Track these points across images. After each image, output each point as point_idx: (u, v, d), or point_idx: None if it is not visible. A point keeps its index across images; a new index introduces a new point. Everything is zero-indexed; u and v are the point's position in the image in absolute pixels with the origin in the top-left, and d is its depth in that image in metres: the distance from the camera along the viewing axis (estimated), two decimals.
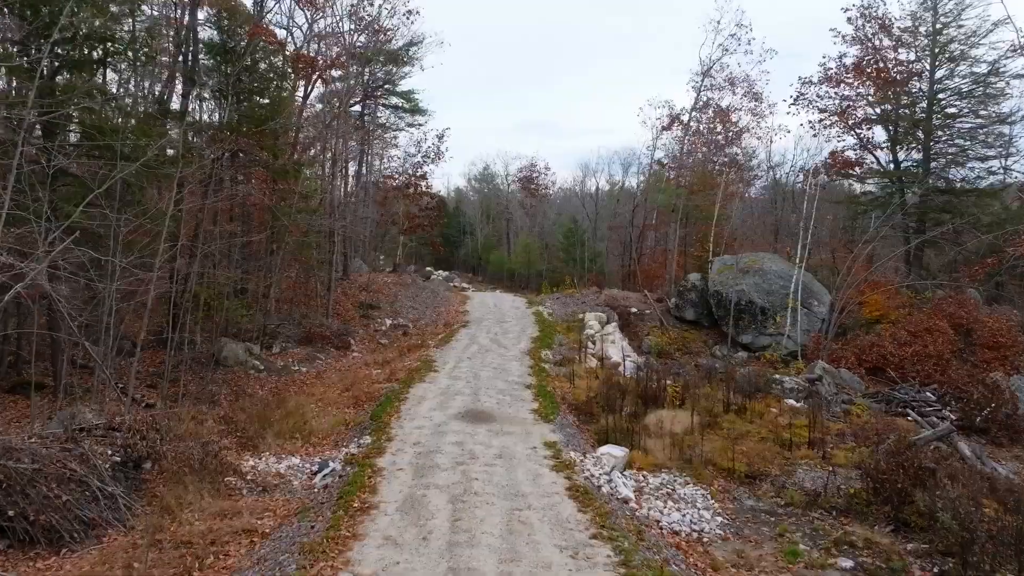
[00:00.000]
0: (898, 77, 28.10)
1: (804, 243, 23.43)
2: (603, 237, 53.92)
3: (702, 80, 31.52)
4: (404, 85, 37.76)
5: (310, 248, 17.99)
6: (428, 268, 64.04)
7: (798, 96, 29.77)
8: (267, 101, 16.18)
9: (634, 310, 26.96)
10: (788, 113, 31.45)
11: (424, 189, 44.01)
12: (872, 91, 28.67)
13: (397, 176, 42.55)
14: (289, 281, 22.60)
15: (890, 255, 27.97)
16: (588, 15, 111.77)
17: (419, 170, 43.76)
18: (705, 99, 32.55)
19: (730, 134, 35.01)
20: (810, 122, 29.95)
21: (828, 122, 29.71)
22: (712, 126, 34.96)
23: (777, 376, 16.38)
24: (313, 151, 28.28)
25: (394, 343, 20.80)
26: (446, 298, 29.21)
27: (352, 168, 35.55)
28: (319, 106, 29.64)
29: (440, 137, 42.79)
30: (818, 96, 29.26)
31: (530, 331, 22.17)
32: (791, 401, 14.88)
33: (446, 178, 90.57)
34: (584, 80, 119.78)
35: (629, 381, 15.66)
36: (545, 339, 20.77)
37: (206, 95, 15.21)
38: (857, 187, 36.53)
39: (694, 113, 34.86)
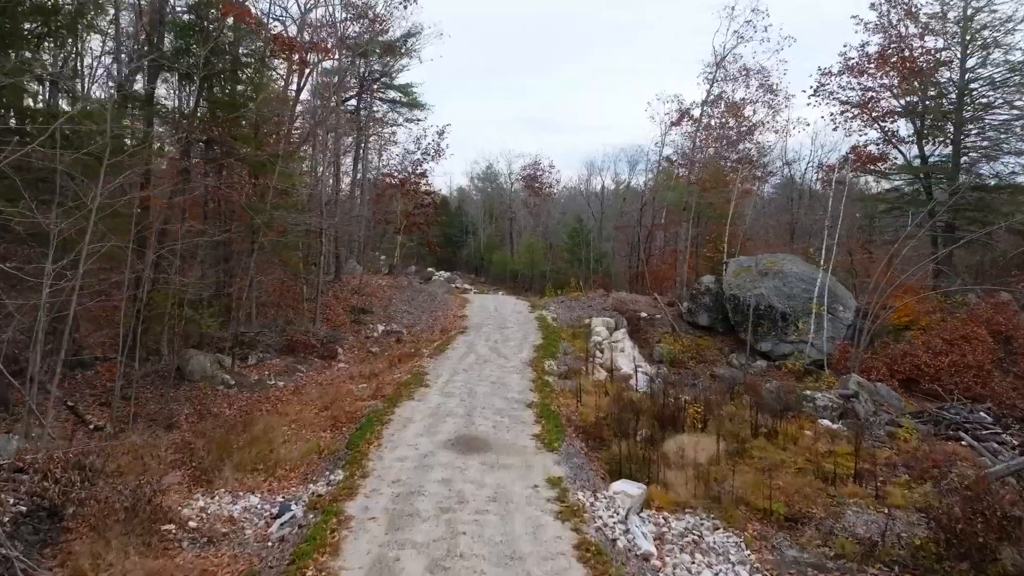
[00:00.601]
0: (925, 66, 26.38)
1: (830, 243, 21.73)
2: (609, 237, 52.41)
3: (715, 71, 29.81)
4: (402, 79, 36.36)
5: (290, 249, 16.39)
6: (430, 269, 62.53)
7: (818, 87, 28.07)
8: (242, 87, 14.60)
9: (644, 315, 25.32)
10: (808, 104, 29.53)
11: (424, 187, 42.56)
12: (897, 81, 26.94)
13: (396, 174, 41.14)
14: (275, 284, 21.05)
15: (918, 256, 26.26)
16: (586, 4, 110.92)
17: (419, 168, 42.36)
18: (718, 92, 30.85)
19: (743, 129, 33.30)
20: (831, 115, 28.25)
21: (850, 114, 27.98)
22: (724, 120, 33.27)
23: (808, 392, 14.71)
24: (305, 145, 26.82)
25: (385, 351, 19.22)
26: (444, 301, 27.62)
27: (346, 164, 34.13)
28: (317, 101, 28.20)
29: (440, 133, 41.34)
30: (840, 87, 27.55)
31: (532, 338, 20.56)
32: (826, 422, 13.23)
33: (448, 177, 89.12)
34: (582, 68, 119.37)
35: (643, 398, 14.06)
36: (549, 348, 19.15)
37: (169, 76, 13.63)
38: (875, 184, 34.88)
39: (705, 108, 33.19)
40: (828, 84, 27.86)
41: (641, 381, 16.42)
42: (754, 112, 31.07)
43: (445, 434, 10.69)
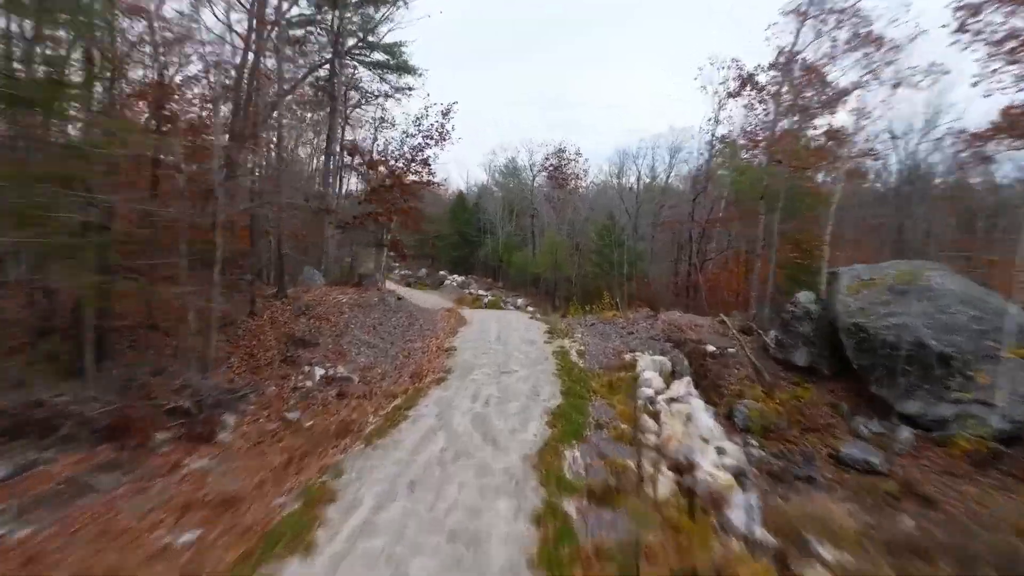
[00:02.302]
0: None
1: None
2: (644, 236, 44.84)
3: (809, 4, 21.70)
4: (391, 40, 29.19)
5: (64, 253, 9.19)
6: (441, 272, 55.42)
7: (961, 24, 19.80)
8: None
9: (711, 348, 17.57)
10: (952, 44, 20.08)
11: (425, 176, 35.42)
12: None
13: (392, 160, 34.12)
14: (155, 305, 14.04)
15: None
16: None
17: (419, 154, 35.27)
18: (811, 38, 22.76)
19: (831, 94, 25.14)
20: (978, 60, 19.83)
21: (1006, 59, 19.64)
22: (807, 82, 25.16)
23: None
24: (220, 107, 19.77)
25: (307, 421, 11.94)
26: (430, 324, 20.27)
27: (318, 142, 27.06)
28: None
29: (446, 113, 34.16)
30: (999, 22, 19.22)
31: (546, 395, 13.09)
32: None
33: (465, 170, 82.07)
34: (592, 46, 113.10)
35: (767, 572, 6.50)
36: (572, 416, 11.65)
37: None
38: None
39: (774, 73, 25.14)
40: (976, 19, 19.56)
41: (740, 509, 8.73)
42: (865, 56, 22.58)
43: None
